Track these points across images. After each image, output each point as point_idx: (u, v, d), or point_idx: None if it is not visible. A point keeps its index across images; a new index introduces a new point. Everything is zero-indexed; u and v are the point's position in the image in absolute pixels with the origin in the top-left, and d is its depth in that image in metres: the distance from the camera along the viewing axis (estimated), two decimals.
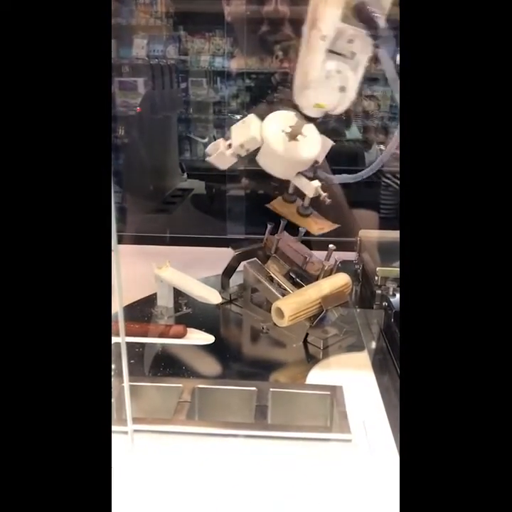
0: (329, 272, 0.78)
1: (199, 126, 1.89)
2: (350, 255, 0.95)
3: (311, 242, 0.86)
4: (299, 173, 0.73)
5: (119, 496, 0.43)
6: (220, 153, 0.72)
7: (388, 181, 1.28)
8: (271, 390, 0.52)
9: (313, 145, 0.73)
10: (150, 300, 0.82)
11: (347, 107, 0.62)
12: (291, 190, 0.79)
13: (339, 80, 0.60)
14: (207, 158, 0.72)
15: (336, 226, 0.77)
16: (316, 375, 0.66)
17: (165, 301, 0.79)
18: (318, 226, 0.77)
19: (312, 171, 0.75)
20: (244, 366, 0.69)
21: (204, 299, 0.77)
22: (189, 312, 0.79)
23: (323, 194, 0.73)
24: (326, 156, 0.78)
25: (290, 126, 0.70)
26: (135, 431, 0.38)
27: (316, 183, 0.72)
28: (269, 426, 0.48)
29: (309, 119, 0.67)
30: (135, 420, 0.39)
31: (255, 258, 0.83)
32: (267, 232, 0.82)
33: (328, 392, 0.52)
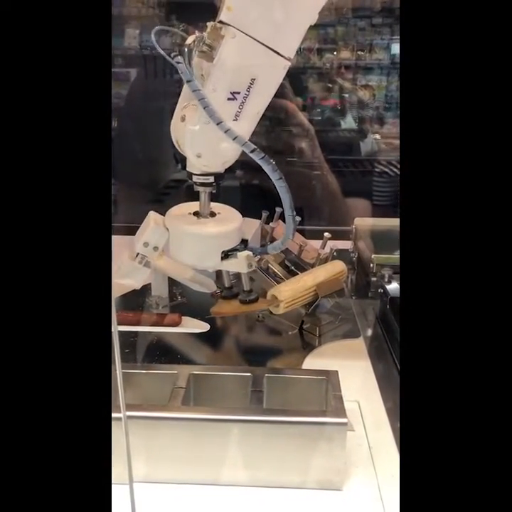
0: (325, 260, 0.78)
1: None
2: (346, 244, 0.95)
3: (306, 231, 0.85)
4: (226, 256, 0.63)
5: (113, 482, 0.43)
6: (127, 267, 0.61)
7: (383, 168, 1.28)
8: (266, 375, 0.52)
9: (232, 218, 0.64)
10: (144, 290, 0.81)
11: (190, 147, 0.54)
12: (227, 282, 0.71)
13: (186, 110, 0.55)
14: (118, 281, 0.61)
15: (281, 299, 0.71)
16: (312, 362, 0.66)
17: (159, 291, 0.79)
18: (267, 303, 0.71)
19: (242, 249, 0.64)
20: (241, 353, 0.70)
21: (199, 288, 0.77)
22: (184, 301, 0.79)
23: (255, 263, 0.64)
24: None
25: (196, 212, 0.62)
26: (130, 417, 0.37)
27: (246, 253, 0.63)
28: (265, 411, 0.48)
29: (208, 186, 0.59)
30: (130, 407, 0.38)
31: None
32: (261, 220, 0.82)
33: (324, 377, 0.52)
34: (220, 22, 0.50)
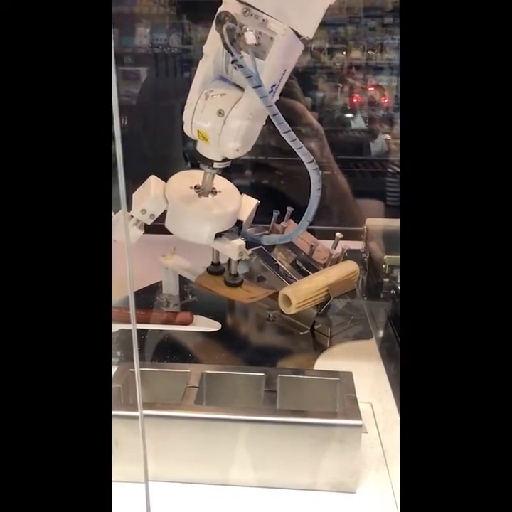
0: (336, 261, 0.78)
1: None
2: (357, 244, 0.95)
3: (318, 231, 0.85)
4: (219, 234, 0.64)
5: (127, 481, 0.43)
6: (122, 226, 0.60)
7: (396, 168, 1.28)
8: (279, 375, 0.52)
9: (231, 200, 0.64)
10: (155, 288, 0.81)
11: (234, 146, 0.55)
12: (215, 259, 0.72)
13: (220, 103, 0.54)
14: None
15: (270, 292, 0.72)
16: (324, 363, 0.65)
17: (170, 289, 0.79)
18: (251, 295, 0.70)
19: (237, 232, 0.66)
20: (252, 353, 0.69)
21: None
22: (195, 300, 0.79)
23: (248, 254, 0.65)
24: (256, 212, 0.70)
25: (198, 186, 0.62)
26: (144, 416, 0.37)
27: (239, 242, 0.63)
28: (279, 411, 0.48)
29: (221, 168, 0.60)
30: (143, 405, 0.38)
31: (261, 246, 0.82)
32: (272, 220, 0.81)
33: (338, 378, 0.52)
34: (239, 1, 0.50)
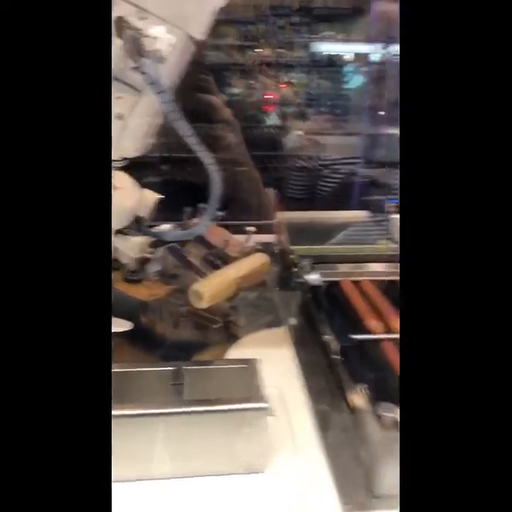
0: (248, 254, 0.80)
1: None
2: (270, 237, 0.97)
3: (231, 226, 0.87)
4: (118, 231, 0.65)
5: None
6: None
7: (303, 163, 1.32)
8: (186, 368, 0.52)
9: (128, 196, 0.65)
10: None
11: (134, 146, 0.56)
12: (113, 253, 0.70)
13: (117, 106, 0.54)
14: None
15: (171, 289, 0.73)
16: (236, 353, 0.67)
17: None
18: (151, 291, 0.71)
19: (137, 228, 0.67)
20: (165, 350, 0.69)
21: None
22: None
23: (148, 251, 0.66)
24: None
25: None
26: None
27: (140, 239, 0.64)
28: (184, 402, 0.49)
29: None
30: None
31: (174, 243, 0.82)
32: (184, 216, 0.82)
33: (245, 365, 0.53)
34: (132, 4, 0.50)
